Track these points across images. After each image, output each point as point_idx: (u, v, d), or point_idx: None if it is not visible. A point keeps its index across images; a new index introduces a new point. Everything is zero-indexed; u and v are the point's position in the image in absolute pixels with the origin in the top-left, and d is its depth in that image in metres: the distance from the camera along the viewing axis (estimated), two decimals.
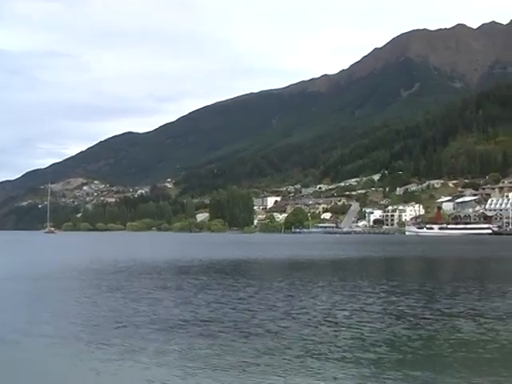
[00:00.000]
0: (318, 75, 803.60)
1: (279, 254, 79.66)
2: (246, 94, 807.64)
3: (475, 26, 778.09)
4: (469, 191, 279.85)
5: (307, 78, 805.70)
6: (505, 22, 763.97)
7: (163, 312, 23.92)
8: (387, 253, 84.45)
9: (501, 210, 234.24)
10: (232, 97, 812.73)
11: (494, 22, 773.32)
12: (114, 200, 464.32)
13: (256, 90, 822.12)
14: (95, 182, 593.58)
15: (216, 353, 16.43)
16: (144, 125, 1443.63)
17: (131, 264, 54.16)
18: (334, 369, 14.55)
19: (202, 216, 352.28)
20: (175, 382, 13.69)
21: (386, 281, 37.45)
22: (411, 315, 22.95)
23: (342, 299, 27.63)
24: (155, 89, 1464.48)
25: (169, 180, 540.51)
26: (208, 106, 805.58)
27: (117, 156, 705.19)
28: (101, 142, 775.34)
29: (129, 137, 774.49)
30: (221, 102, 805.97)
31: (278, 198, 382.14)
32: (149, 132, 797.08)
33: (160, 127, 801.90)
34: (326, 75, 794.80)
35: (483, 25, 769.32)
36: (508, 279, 41.04)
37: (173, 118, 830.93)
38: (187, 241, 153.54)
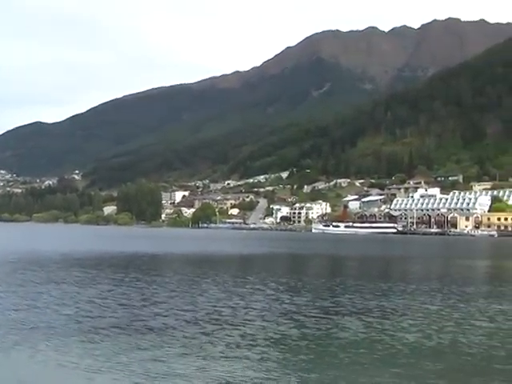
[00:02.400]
0: (229, 71, 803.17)
1: (180, 248, 77.89)
2: (157, 88, 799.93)
3: (387, 30, 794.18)
4: (375, 191, 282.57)
5: (219, 73, 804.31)
6: (416, 26, 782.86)
7: (41, 307, 22.46)
8: (290, 250, 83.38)
9: (405, 209, 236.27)
10: (142, 90, 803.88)
11: (405, 26, 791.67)
12: (20, 191, 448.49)
13: (167, 84, 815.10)
14: (1, 171, 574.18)
15: (89, 352, 15.18)
16: (53, 115, 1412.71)
17: (24, 256, 52.08)
18: (216, 367, 13.98)
19: (109, 209, 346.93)
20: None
21: (280, 278, 35.99)
22: (297, 313, 22.07)
23: (230, 296, 26.64)
24: (65, 79, 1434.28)
25: (77, 172, 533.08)
26: (118, 98, 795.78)
27: (25, 146, 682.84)
28: (8, 131, 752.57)
29: (37, 127, 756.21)
30: (131, 94, 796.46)
31: (187, 193, 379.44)
32: (58, 122, 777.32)
33: (69, 118, 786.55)
34: (237, 71, 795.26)
35: (394, 28, 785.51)
36: (402, 278, 40.59)
37: (82, 110, 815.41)
38: (91, 233, 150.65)
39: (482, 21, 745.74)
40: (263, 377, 13.24)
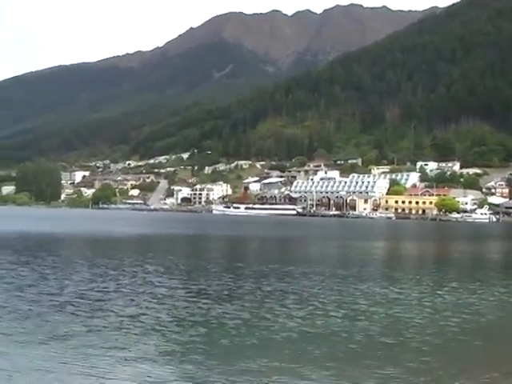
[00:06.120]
0: (131, 51, 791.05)
1: (68, 229, 76.25)
2: (57, 66, 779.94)
3: (290, 13, 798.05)
4: (275, 173, 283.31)
5: (121, 53, 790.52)
6: (318, 11, 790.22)
7: None
8: (188, 231, 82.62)
9: (305, 192, 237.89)
10: (41, 68, 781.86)
11: (308, 10, 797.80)
12: None
13: (67, 63, 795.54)
14: None
15: None
16: None
17: None
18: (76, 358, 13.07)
19: (8, 189, 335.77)
20: None
21: (160, 260, 35.04)
22: (171, 297, 21.25)
23: (100, 279, 25.51)
24: None
25: None
26: (15, 76, 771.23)
27: None
28: None
29: None
30: (29, 73, 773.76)
31: (87, 173, 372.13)
32: None
33: None
34: (139, 51, 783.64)
35: (297, 12, 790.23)
36: (292, 260, 39.91)
37: None
38: None
39: (385, 7, 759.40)
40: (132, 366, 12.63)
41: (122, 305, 19.39)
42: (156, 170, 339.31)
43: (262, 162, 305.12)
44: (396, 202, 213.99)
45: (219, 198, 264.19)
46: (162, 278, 25.93)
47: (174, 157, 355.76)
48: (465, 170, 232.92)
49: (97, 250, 43.13)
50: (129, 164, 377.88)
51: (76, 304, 19.28)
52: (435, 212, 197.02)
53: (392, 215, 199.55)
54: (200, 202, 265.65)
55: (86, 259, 33.89)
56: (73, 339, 14.62)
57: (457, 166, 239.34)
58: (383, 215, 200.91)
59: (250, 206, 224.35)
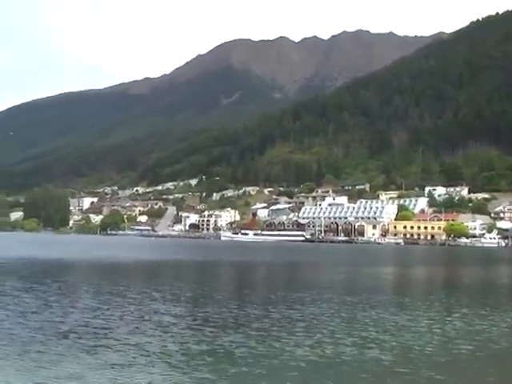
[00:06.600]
0: (139, 78, 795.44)
1: (75, 255, 75.77)
2: (66, 93, 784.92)
3: (297, 40, 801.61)
4: (283, 199, 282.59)
5: (129, 80, 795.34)
6: (325, 37, 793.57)
7: None
8: (197, 257, 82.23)
9: (313, 218, 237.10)
10: (50, 95, 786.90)
11: (315, 36, 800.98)
12: None
13: (75, 90, 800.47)
14: None
15: None
16: None
17: None
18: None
19: (16, 215, 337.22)
20: None
21: (167, 286, 34.70)
22: (175, 325, 20.75)
23: (105, 306, 25.04)
24: None
25: None
26: (25, 102, 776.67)
27: None
28: None
29: None
30: (38, 99, 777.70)
31: (95, 199, 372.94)
32: None
33: None
34: (147, 78, 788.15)
35: (304, 39, 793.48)
36: (301, 286, 39.50)
37: None
38: None
39: (391, 33, 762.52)
40: None
41: (127, 333, 19.04)
42: (164, 197, 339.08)
43: (270, 188, 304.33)
44: (404, 227, 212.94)
45: (227, 224, 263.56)
46: (168, 306, 25.57)
47: (181, 183, 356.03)
48: (473, 195, 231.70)
49: (103, 277, 42.90)
50: (137, 190, 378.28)
51: (80, 332, 18.96)
52: (444, 237, 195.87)
53: (401, 241, 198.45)
54: (208, 229, 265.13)
55: (92, 286, 33.66)
56: (76, 368, 14.26)
57: (465, 191, 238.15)
58: (392, 241, 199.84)
59: (259, 232, 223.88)
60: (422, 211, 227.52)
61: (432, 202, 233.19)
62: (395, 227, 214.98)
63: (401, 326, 22.01)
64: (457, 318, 24.13)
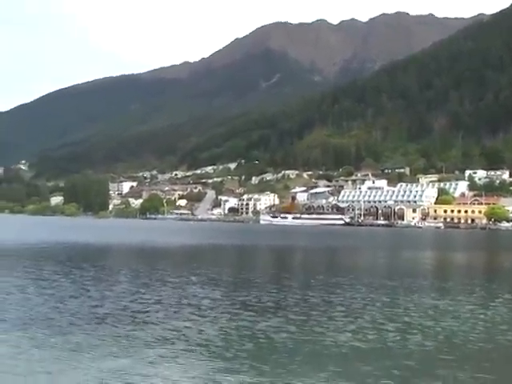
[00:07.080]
0: (178, 62, 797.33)
1: (114, 239, 75.80)
2: (105, 78, 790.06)
3: (335, 22, 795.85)
4: (323, 182, 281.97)
5: (168, 64, 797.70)
6: (364, 19, 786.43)
7: None
8: (236, 241, 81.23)
9: (353, 201, 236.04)
10: (90, 80, 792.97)
11: (353, 19, 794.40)
12: None
13: (115, 74, 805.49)
14: None
15: None
16: None
17: None
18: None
19: (56, 199, 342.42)
20: None
21: (205, 270, 34.20)
22: (211, 308, 20.78)
23: (143, 290, 25.00)
24: (12, 68, 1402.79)
25: (23, 162, 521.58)
26: (65, 88, 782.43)
27: None
28: None
29: None
30: (78, 84, 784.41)
31: (134, 184, 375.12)
32: (4, 112, 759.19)
33: (16, 107, 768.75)
34: (186, 62, 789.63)
35: (343, 21, 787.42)
36: (342, 271, 38.81)
37: (29, 99, 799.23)
38: (30, 223, 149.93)
39: (431, 15, 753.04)
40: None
41: (165, 317, 18.89)
42: (203, 181, 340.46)
43: (309, 172, 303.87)
44: (445, 211, 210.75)
45: (266, 207, 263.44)
46: (207, 290, 25.37)
47: (221, 167, 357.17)
48: None
49: (141, 261, 42.94)
50: (176, 174, 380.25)
51: (118, 316, 18.87)
52: (484, 221, 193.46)
53: (441, 224, 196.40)
54: (247, 212, 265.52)
55: (130, 270, 33.63)
56: (113, 352, 14.17)
57: (506, 175, 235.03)
58: (432, 225, 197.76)
59: (298, 215, 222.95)
60: (463, 195, 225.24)
61: (472, 186, 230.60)
62: (435, 211, 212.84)
63: (443, 311, 21.53)
64: (500, 304, 23.56)
